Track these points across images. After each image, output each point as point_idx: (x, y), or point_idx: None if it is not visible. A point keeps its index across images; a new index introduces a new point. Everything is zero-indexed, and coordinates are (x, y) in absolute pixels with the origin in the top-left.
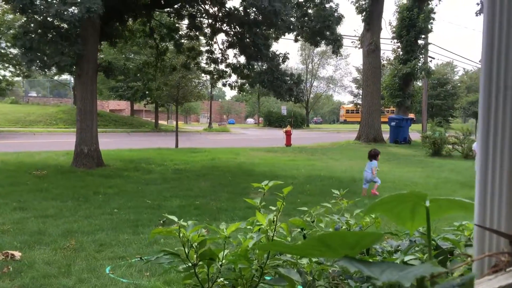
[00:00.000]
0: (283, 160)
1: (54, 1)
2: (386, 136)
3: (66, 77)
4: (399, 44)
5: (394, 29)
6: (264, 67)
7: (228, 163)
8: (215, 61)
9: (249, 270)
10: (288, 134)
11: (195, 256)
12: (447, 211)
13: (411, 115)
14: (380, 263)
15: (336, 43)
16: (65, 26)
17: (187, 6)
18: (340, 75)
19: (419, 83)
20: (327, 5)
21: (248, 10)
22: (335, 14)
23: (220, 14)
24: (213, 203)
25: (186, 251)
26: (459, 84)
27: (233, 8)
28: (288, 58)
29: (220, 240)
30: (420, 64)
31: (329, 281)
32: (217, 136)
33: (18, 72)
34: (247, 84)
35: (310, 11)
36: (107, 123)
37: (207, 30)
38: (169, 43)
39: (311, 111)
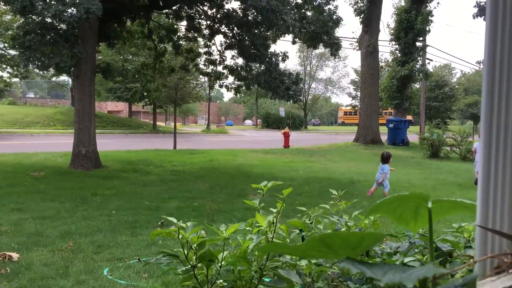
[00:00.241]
0: (281, 161)
1: (53, 2)
2: (384, 138)
3: (64, 78)
4: (397, 46)
5: (392, 31)
6: (262, 68)
7: (226, 165)
8: (213, 62)
9: (248, 272)
10: (286, 136)
11: (194, 257)
12: (449, 212)
13: (409, 117)
14: (382, 264)
15: (334, 46)
16: (64, 27)
17: (186, 7)
18: (338, 77)
19: (417, 85)
20: (325, 8)
21: (247, 12)
22: (334, 16)
23: (218, 16)
24: (210, 205)
25: (185, 253)
26: (456, 86)
27: (231, 10)
28: (287, 57)
29: (219, 241)
30: (418, 66)
31: (328, 282)
32: (215, 138)
33: (16, 73)
34: (243, 86)
35: (308, 13)
36: (105, 125)
37: (206, 32)
38: (167, 44)
39: (309, 112)
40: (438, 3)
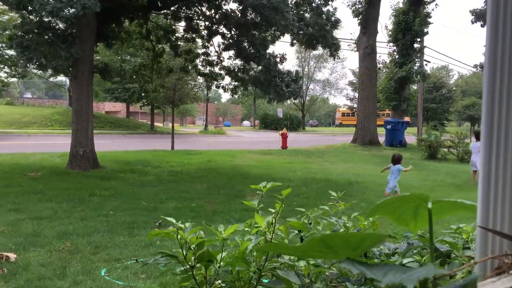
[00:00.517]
0: (279, 162)
1: (51, 0)
2: (382, 139)
3: (61, 78)
4: (395, 47)
5: (390, 32)
6: (260, 68)
7: (224, 165)
8: (210, 63)
9: (247, 273)
10: (284, 137)
11: (193, 258)
12: (449, 213)
13: (407, 119)
14: (382, 265)
15: (333, 46)
16: (61, 26)
17: (184, 8)
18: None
19: (414, 87)
20: (324, 9)
21: (246, 12)
22: (332, 18)
23: (217, 16)
24: (209, 206)
25: (184, 253)
26: (454, 88)
27: (230, 10)
28: (285, 59)
29: (217, 242)
30: (415, 68)
31: (327, 283)
32: (213, 138)
33: (13, 73)
34: (241, 87)
35: (307, 15)
36: (102, 125)
37: (204, 33)
38: (165, 45)
39: (307, 114)
40: (436, 4)
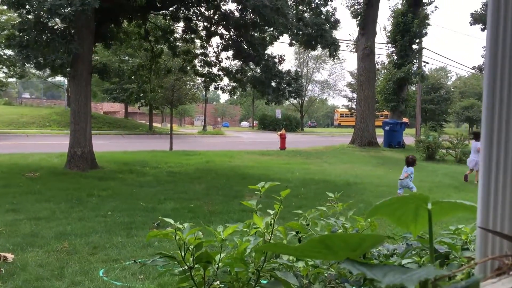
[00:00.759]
0: (278, 163)
1: None
2: (380, 140)
3: (60, 78)
4: (393, 48)
5: (388, 33)
6: (259, 68)
7: (222, 166)
8: (209, 64)
9: (246, 273)
10: (282, 138)
11: (191, 259)
12: (449, 214)
13: (405, 120)
14: (382, 266)
15: (332, 46)
16: (60, 26)
17: (183, 8)
18: (334, 79)
19: (413, 88)
20: (323, 9)
21: (245, 12)
22: (332, 18)
23: (215, 17)
24: (207, 206)
25: (182, 254)
26: (452, 89)
27: (229, 11)
28: (284, 60)
29: (216, 243)
30: (414, 69)
31: (325, 284)
32: (211, 139)
33: (12, 73)
34: (239, 87)
35: (306, 14)
36: (101, 125)
37: (203, 33)
38: (164, 45)
39: (305, 114)
40: (436, 6)
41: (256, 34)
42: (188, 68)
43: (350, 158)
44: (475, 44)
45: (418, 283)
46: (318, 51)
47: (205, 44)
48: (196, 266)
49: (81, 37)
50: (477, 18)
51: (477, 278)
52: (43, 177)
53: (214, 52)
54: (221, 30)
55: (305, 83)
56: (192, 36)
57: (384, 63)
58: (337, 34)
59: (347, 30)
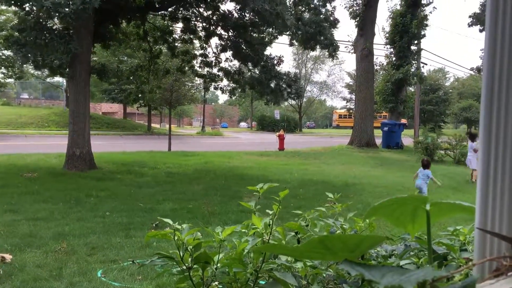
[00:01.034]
0: (276, 164)
1: None
2: (378, 141)
3: (58, 79)
4: (392, 49)
5: (387, 34)
6: (258, 68)
7: (221, 167)
8: (208, 64)
9: (244, 274)
10: (281, 138)
11: (189, 259)
12: (447, 215)
13: (403, 121)
14: (380, 267)
15: (331, 47)
16: (59, 26)
17: (182, 9)
18: (333, 81)
19: (411, 89)
20: (322, 9)
21: (244, 13)
22: (331, 18)
23: (214, 18)
24: (206, 207)
25: (181, 255)
26: (450, 90)
27: (227, 11)
28: (282, 61)
29: (214, 243)
30: (412, 70)
31: (324, 285)
32: (210, 140)
33: (10, 73)
34: (239, 88)
35: (306, 14)
36: (99, 126)
37: (202, 34)
38: (162, 46)
39: (304, 115)
40: (434, 7)
41: (255, 35)
42: (187, 68)
43: (349, 159)
44: (473, 45)
45: (416, 284)
46: (317, 51)
47: (204, 45)
48: (195, 266)
49: (80, 38)
50: (476, 19)
51: (474, 278)
52: (42, 177)
53: (214, 52)
54: (220, 30)
55: (303, 84)
56: (191, 36)
57: (383, 64)
58: (336, 34)
59: (346, 31)
